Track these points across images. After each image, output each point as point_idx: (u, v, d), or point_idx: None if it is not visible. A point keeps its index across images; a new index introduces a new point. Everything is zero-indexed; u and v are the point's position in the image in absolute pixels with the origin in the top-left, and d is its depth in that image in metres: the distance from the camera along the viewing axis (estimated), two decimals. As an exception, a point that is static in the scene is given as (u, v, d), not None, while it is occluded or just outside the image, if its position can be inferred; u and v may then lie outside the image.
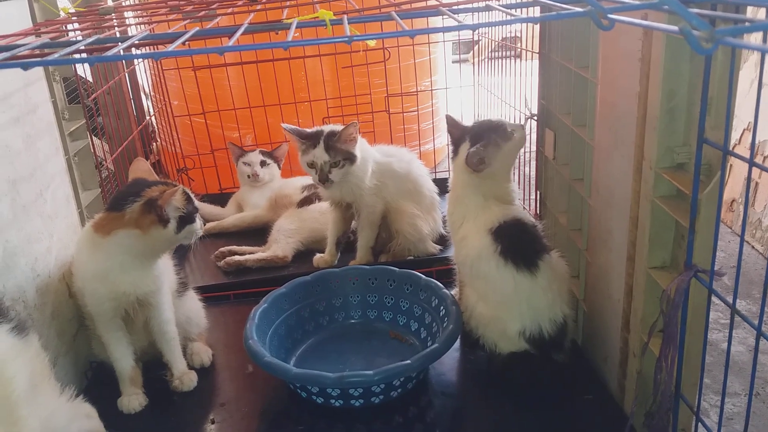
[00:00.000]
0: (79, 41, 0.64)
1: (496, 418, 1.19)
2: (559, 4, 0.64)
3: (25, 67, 0.56)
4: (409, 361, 1.15)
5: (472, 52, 3.71)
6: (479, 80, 2.35)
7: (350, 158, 1.59)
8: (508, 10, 0.65)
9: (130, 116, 2.22)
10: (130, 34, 0.75)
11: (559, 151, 1.48)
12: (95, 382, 1.33)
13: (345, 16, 0.69)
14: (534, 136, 1.64)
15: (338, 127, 1.61)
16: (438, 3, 0.84)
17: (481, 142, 1.25)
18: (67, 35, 1.11)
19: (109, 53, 0.57)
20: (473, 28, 0.60)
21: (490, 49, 2.63)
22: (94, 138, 1.60)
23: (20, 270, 1.16)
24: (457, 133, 1.33)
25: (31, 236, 1.21)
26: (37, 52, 0.66)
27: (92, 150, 1.54)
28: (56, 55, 0.56)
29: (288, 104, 2.29)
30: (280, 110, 2.29)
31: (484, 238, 1.24)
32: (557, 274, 1.25)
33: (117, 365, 1.25)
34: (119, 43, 0.62)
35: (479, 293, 1.27)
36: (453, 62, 3.13)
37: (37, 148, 1.27)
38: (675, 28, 0.44)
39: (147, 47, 0.91)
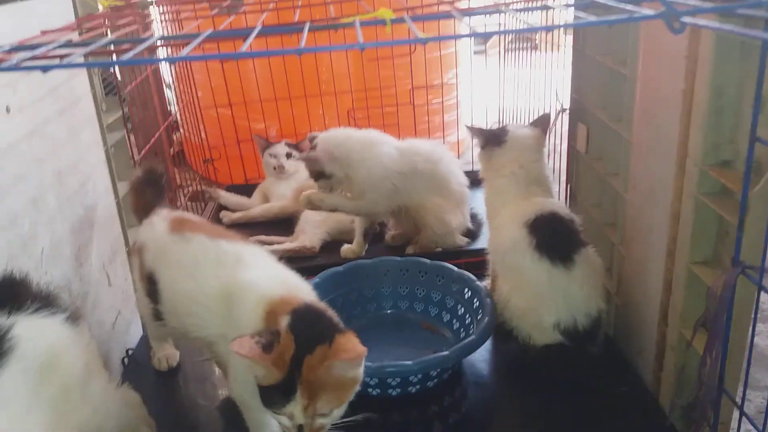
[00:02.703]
0: (92, 43, 0.65)
1: (530, 408, 1.21)
2: (621, 6, 0.64)
3: (45, 70, 0.56)
4: (447, 353, 1.17)
5: (491, 42, 3.69)
6: (504, 72, 2.34)
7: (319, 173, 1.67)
8: (576, 12, 0.65)
9: (156, 108, 2.23)
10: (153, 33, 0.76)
11: (592, 146, 1.49)
12: (131, 369, 1.36)
13: (407, 14, 0.70)
14: (564, 129, 1.65)
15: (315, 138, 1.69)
16: (494, 4, 0.85)
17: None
18: (107, 32, 1.13)
19: (127, 56, 0.59)
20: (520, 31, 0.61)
21: (507, 40, 2.62)
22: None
23: (65, 259, 1.18)
24: (489, 133, 1.42)
25: (74, 226, 1.23)
26: (60, 52, 0.67)
27: (127, 141, 1.56)
28: (74, 56, 0.57)
29: (313, 96, 2.30)
30: (305, 102, 2.29)
31: (519, 230, 1.25)
32: (593, 268, 1.26)
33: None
34: (136, 45, 0.64)
35: (512, 284, 1.28)
36: (474, 53, 3.12)
37: (79, 140, 1.29)
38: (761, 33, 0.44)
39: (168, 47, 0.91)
